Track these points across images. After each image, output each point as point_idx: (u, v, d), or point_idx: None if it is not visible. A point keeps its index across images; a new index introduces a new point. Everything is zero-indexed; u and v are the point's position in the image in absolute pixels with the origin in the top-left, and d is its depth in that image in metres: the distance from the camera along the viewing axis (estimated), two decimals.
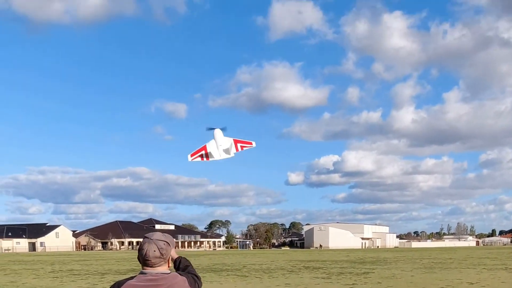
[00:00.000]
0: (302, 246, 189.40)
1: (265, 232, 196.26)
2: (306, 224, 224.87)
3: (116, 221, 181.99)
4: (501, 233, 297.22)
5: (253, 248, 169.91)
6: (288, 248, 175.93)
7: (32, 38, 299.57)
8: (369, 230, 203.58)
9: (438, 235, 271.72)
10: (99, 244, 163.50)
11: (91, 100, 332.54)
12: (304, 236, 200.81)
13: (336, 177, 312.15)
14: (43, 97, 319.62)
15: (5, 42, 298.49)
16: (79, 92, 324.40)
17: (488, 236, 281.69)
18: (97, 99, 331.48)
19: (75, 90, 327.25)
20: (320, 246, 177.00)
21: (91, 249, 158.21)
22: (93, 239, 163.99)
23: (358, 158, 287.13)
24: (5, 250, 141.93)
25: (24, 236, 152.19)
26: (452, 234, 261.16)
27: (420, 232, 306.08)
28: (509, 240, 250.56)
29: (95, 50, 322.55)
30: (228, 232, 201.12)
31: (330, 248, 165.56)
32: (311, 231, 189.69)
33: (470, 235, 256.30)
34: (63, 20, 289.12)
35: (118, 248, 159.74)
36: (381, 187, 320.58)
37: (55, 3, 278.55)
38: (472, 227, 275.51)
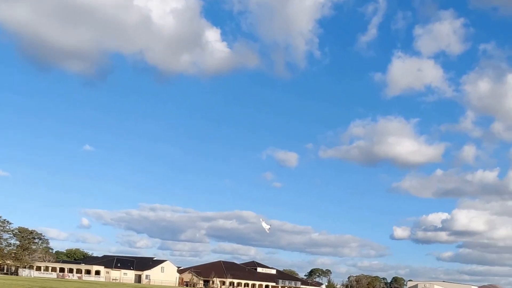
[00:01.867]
0: None
1: (367, 284, 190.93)
2: (409, 280, 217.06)
3: (220, 261, 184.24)
4: None
5: None
6: None
7: (159, 87, 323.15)
8: None
9: None
10: (201, 282, 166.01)
11: (207, 145, 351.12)
12: None
13: (443, 235, 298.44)
14: (163, 143, 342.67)
15: (135, 90, 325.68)
16: (195, 138, 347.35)
17: None
18: (211, 145, 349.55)
19: (191, 136, 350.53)
20: None
21: (193, 286, 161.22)
22: (196, 276, 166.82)
23: (469, 217, 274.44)
24: (113, 279, 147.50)
25: (131, 268, 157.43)
26: None
27: None
28: None
29: (216, 99, 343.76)
30: (329, 281, 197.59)
31: None
32: None
33: None
34: (190, 71, 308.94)
35: None
36: (491, 249, 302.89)
37: (184, 55, 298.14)
38: None
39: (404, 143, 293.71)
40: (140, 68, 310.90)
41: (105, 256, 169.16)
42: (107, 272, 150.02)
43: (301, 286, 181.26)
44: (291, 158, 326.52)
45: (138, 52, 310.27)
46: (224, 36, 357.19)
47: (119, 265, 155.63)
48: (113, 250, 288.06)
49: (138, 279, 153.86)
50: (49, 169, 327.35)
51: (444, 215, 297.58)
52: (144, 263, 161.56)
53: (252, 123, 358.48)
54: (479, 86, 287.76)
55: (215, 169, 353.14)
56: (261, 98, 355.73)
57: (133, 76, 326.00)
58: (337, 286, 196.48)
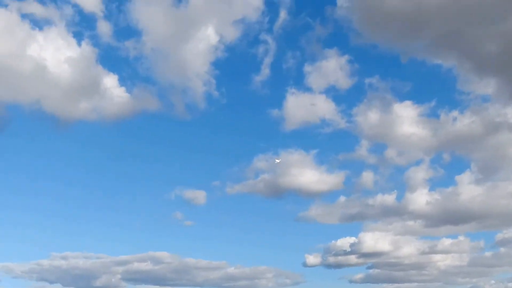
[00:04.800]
0: None
1: None
2: None
3: None
4: None
5: None
6: None
7: (59, 133, 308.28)
8: None
9: None
10: None
11: (114, 188, 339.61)
12: None
13: (353, 258, 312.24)
14: (67, 185, 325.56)
15: (33, 136, 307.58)
16: (101, 179, 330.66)
17: None
18: (119, 187, 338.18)
19: (97, 178, 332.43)
20: None
21: None
22: None
23: (374, 239, 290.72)
24: None
25: None
26: None
27: None
28: None
29: (118, 142, 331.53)
30: None
31: None
32: None
33: None
34: (90, 117, 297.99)
35: None
36: (398, 267, 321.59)
37: (83, 103, 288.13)
38: None
39: (306, 174, 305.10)
40: (38, 117, 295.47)
41: None
42: None
43: None
44: (199, 196, 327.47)
45: (35, 102, 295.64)
46: (122, 81, 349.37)
47: None
48: None
49: None
50: None
51: (352, 239, 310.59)
52: None
53: (158, 163, 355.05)
54: (369, 117, 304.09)
55: (123, 210, 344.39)
56: (166, 139, 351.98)
57: (32, 123, 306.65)
58: None
